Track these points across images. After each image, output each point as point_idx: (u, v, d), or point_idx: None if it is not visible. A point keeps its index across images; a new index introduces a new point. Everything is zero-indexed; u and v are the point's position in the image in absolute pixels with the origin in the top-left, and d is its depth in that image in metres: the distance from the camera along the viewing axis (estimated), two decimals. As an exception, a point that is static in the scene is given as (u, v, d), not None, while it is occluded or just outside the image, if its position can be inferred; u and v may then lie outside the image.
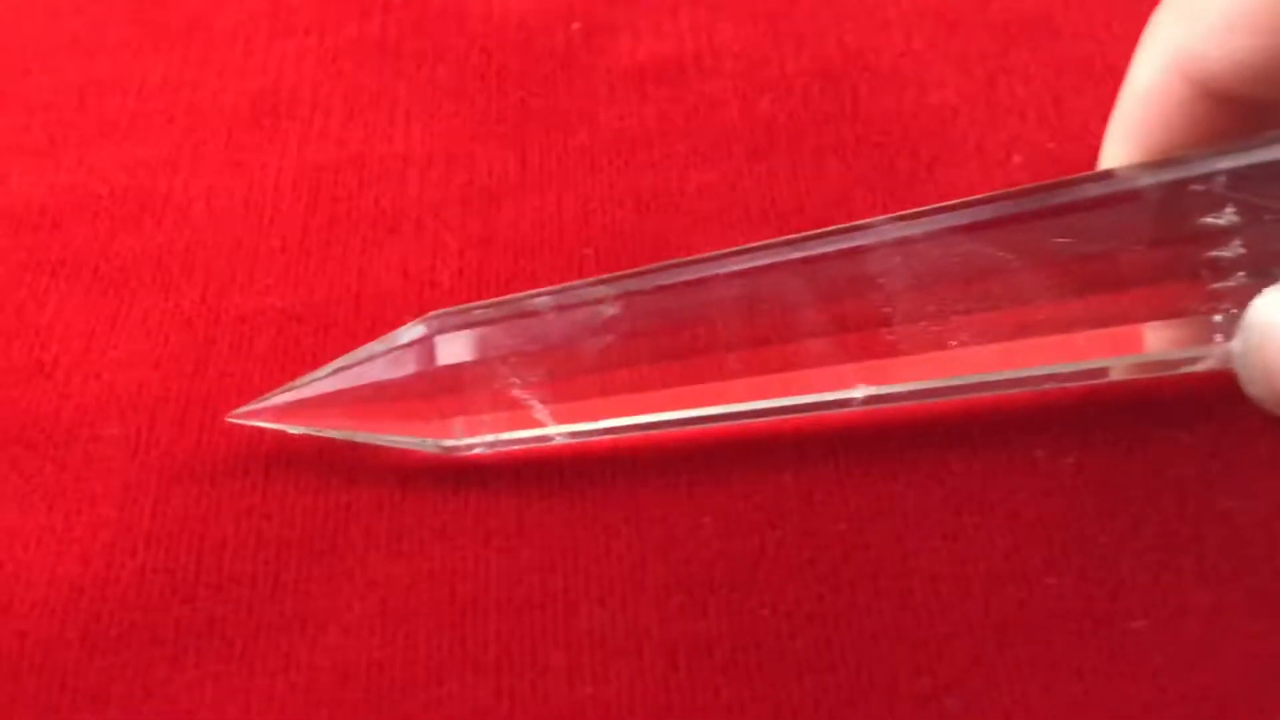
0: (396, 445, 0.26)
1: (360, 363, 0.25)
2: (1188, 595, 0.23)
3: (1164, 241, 0.23)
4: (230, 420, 0.26)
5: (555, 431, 0.25)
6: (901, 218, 0.24)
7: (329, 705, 0.23)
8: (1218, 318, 0.23)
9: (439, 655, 0.23)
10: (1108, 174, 0.24)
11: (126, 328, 0.28)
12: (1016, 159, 0.29)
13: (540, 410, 0.25)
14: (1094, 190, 0.24)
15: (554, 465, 0.26)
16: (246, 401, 0.26)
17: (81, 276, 0.29)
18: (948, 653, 0.23)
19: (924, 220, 0.24)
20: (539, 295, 0.25)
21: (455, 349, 0.25)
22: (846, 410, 0.25)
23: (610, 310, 0.25)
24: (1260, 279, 0.22)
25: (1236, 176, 0.22)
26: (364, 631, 0.24)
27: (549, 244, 0.29)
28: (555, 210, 0.30)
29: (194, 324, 0.28)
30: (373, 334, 0.27)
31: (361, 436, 0.25)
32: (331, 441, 0.26)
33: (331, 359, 0.27)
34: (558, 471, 0.26)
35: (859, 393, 0.24)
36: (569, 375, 0.25)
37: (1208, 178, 0.23)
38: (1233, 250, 0.22)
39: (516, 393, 0.25)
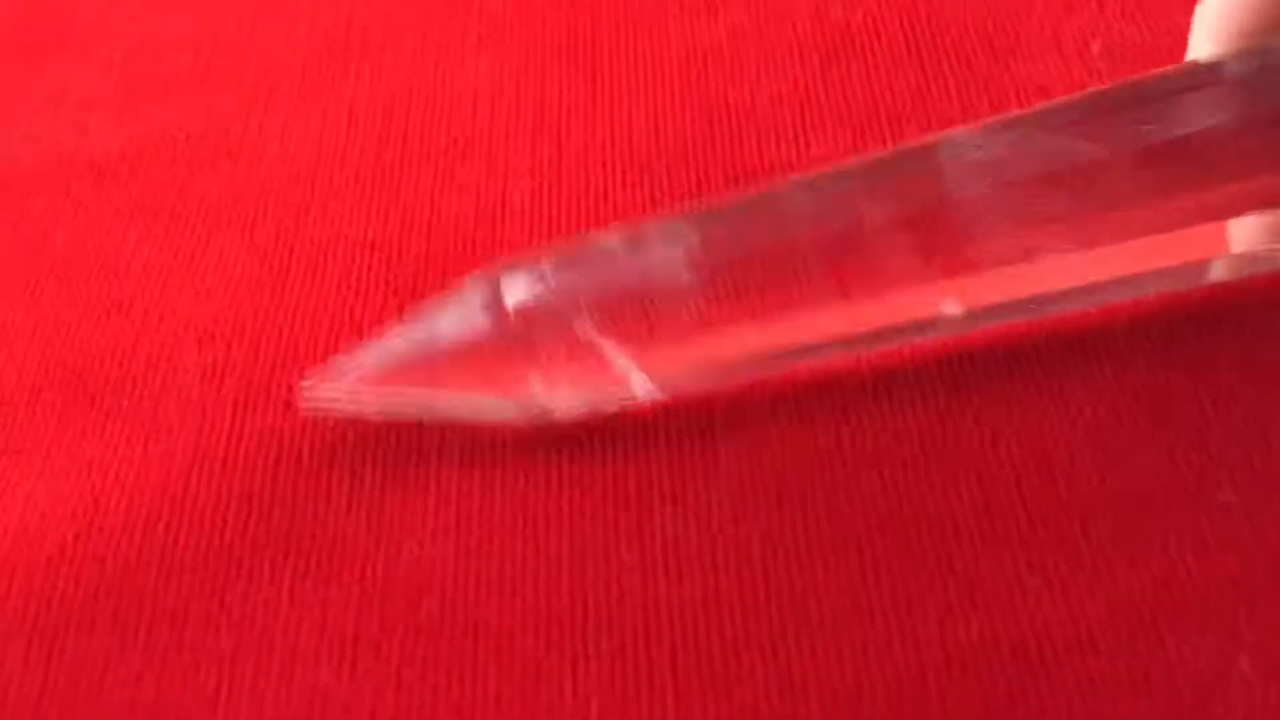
0: (474, 416, 0.25)
1: (425, 322, 0.24)
2: (1277, 467, 0.22)
3: (1258, 130, 0.22)
4: (303, 392, 0.25)
5: (640, 386, 0.24)
6: (984, 125, 0.23)
7: (404, 617, 0.23)
8: None
9: (514, 563, 0.23)
10: (1195, 64, 0.23)
11: (203, 264, 0.28)
12: (1095, 47, 0.28)
13: (621, 359, 0.24)
14: (1182, 81, 0.23)
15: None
16: (320, 324, 0.27)
17: (159, 219, 0.29)
18: (1030, 535, 0.22)
19: (1005, 125, 0.23)
20: (610, 234, 0.24)
21: (524, 297, 0.24)
22: (937, 334, 0.24)
23: (685, 247, 0.24)
24: None
25: None
26: (439, 543, 0.23)
27: (620, 162, 0.29)
28: (626, 128, 0.29)
29: (269, 257, 0.28)
30: (445, 260, 0.27)
31: (437, 408, 0.25)
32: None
33: (404, 283, 0.26)
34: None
35: (950, 309, 0.23)
36: (648, 318, 0.24)
37: None
38: None
39: (595, 339, 0.24)
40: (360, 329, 0.27)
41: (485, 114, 0.30)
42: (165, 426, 0.25)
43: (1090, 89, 0.23)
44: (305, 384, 0.25)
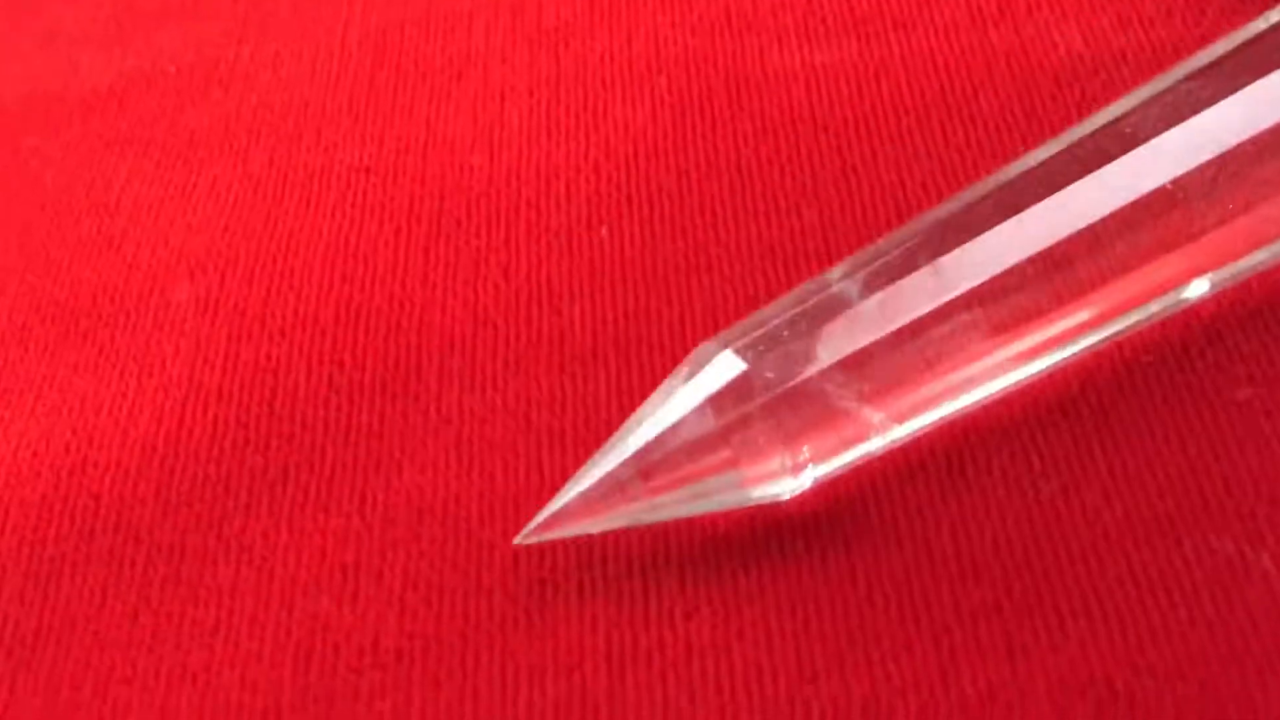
0: (701, 510, 0.22)
1: (644, 415, 0.21)
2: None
3: None
4: (520, 543, 0.22)
5: (889, 436, 0.22)
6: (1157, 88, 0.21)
7: (406, 543, 0.22)
8: None
9: (515, 486, 0.23)
10: None
11: (195, 195, 0.28)
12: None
13: (873, 415, 0.21)
14: None
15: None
16: (315, 251, 0.27)
17: (150, 152, 0.29)
18: (1044, 441, 0.21)
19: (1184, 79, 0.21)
20: (836, 279, 0.21)
21: (752, 361, 0.21)
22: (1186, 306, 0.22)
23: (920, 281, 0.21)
24: None
25: None
26: (440, 468, 0.23)
27: (620, 77, 0.28)
28: (625, 44, 0.29)
29: (262, 185, 0.28)
30: (442, 182, 0.27)
31: (670, 511, 0.21)
32: (401, 285, 0.26)
33: (400, 207, 0.26)
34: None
35: (1200, 285, 0.22)
36: (891, 366, 0.21)
37: None
38: None
39: (836, 398, 0.21)
40: (359, 255, 0.26)
41: (480, 33, 0.30)
42: (159, 360, 0.25)
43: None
44: (520, 540, 0.22)
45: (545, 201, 0.26)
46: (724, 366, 0.21)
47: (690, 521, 0.21)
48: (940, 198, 0.25)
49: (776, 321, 0.21)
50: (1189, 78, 0.21)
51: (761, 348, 0.21)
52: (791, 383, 0.21)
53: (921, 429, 0.22)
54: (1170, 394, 0.21)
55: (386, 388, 0.24)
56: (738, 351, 0.21)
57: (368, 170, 0.27)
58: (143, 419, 0.24)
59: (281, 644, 0.21)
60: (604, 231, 0.26)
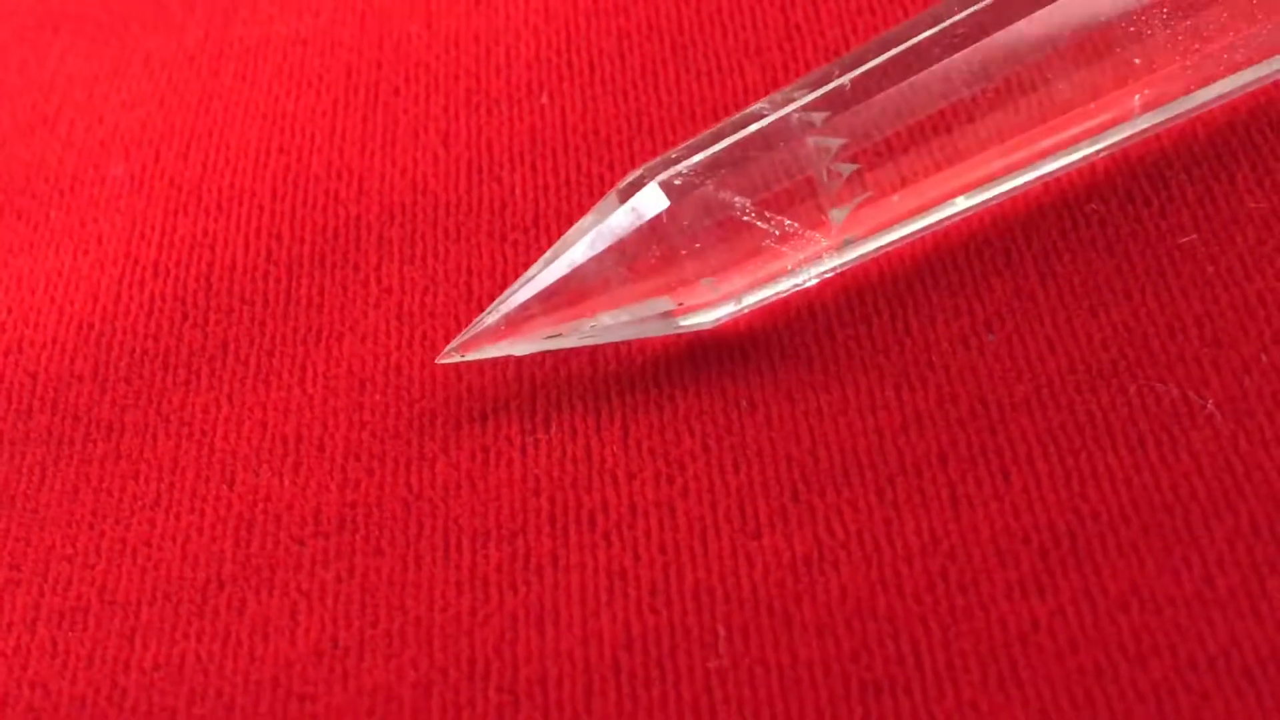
0: (629, 336, 0.22)
1: (569, 243, 0.21)
2: (1240, 203, 0.21)
3: None
4: (441, 362, 0.22)
5: (815, 271, 0.22)
6: None
7: (347, 413, 0.22)
8: None
9: (458, 348, 0.22)
10: None
11: (129, 72, 0.27)
12: None
13: (795, 242, 0.21)
14: None
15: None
16: (255, 127, 0.26)
17: (84, 29, 0.28)
18: (987, 291, 0.21)
19: None
20: (749, 116, 0.21)
21: (673, 195, 0.21)
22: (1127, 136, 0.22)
23: (827, 114, 0.21)
24: None
25: None
26: (381, 336, 0.23)
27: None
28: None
29: (196, 60, 0.27)
30: (380, 51, 0.26)
31: (592, 334, 0.21)
32: (339, 156, 0.26)
33: (337, 78, 0.25)
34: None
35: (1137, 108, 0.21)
36: (808, 197, 0.21)
37: None
38: None
39: (764, 226, 0.21)
40: (296, 127, 0.25)
41: (417, -100, 0.29)
42: (94, 237, 0.25)
43: None
44: (443, 357, 0.22)
45: (484, 68, 0.26)
46: (650, 199, 0.21)
47: (634, 383, 0.21)
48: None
49: (705, 153, 0.21)
50: None
51: (690, 178, 0.21)
52: (717, 214, 0.21)
53: (848, 262, 0.22)
54: (1114, 241, 0.21)
55: (325, 259, 0.24)
56: (664, 185, 0.21)
57: (304, 42, 0.27)
58: (79, 297, 0.24)
59: (223, 516, 0.21)
60: (544, 98, 0.25)
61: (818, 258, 0.21)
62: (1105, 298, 0.21)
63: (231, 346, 0.23)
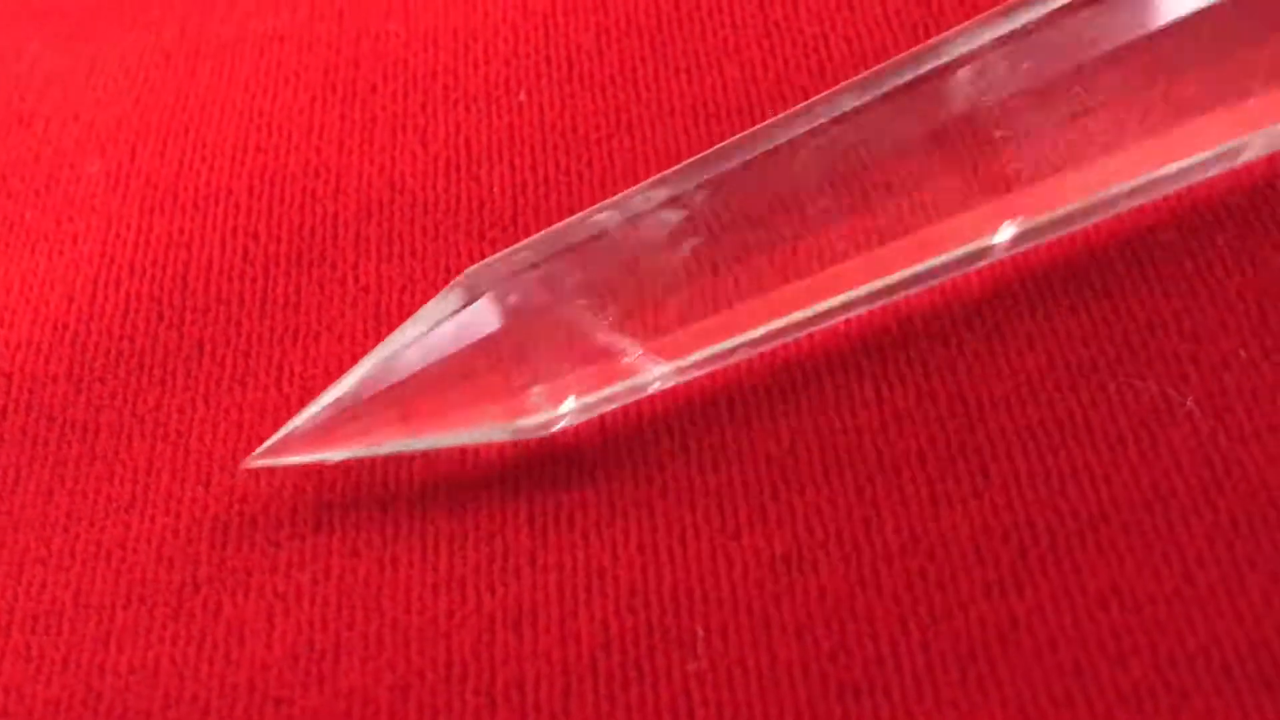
0: (461, 443, 0.21)
1: (395, 351, 0.20)
2: (1219, 200, 0.21)
3: None
4: (249, 467, 0.21)
5: (657, 373, 0.21)
6: (992, 16, 0.20)
7: (324, 413, 0.21)
8: None
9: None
10: None
11: (105, 69, 0.27)
12: None
13: (634, 352, 0.20)
14: None
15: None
16: (231, 125, 0.26)
17: (60, 27, 0.28)
18: (966, 289, 0.21)
19: (1020, 11, 0.20)
20: (596, 213, 0.20)
21: (513, 302, 0.20)
22: (988, 262, 0.21)
23: (679, 213, 0.20)
24: None
25: None
26: (358, 338, 0.23)
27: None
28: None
29: (173, 57, 0.27)
30: (357, 49, 0.26)
31: (420, 444, 0.21)
32: (317, 154, 0.25)
33: (314, 75, 0.25)
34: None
35: (1004, 234, 0.20)
36: (655, 301, 0.20)
37: None
38: None
39: (603, 336, 0.20)
40: (273, 125, 0.25)
41: (395, -104, 0.28)
42: (70, 236, 0.24)
43: None
44: (248, 463, 0.21)
45: (462, 65, 0.26)
46: (483, 311, 0.20)
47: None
48: (863, 50, 0.24)
49: (536, 258, 0.20)
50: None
51: (521, 284, 0.20)
52: (550, 317, 0.20)
53: (693, 369, 0.21)
54: (1092, 237, 0.21)
55: (302, 258, 0.24)
56: (496, 296, 0.20)
57: (281, 39, 0.27)
58: (54, 296, 0.24)
59: (198, 519, 0.21)
60: (522, 95, 0.25)
61: (660, 365, 0.20)
62: (1084, 295, 0.20)
63: (208, 347, 0.23)
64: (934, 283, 0.21)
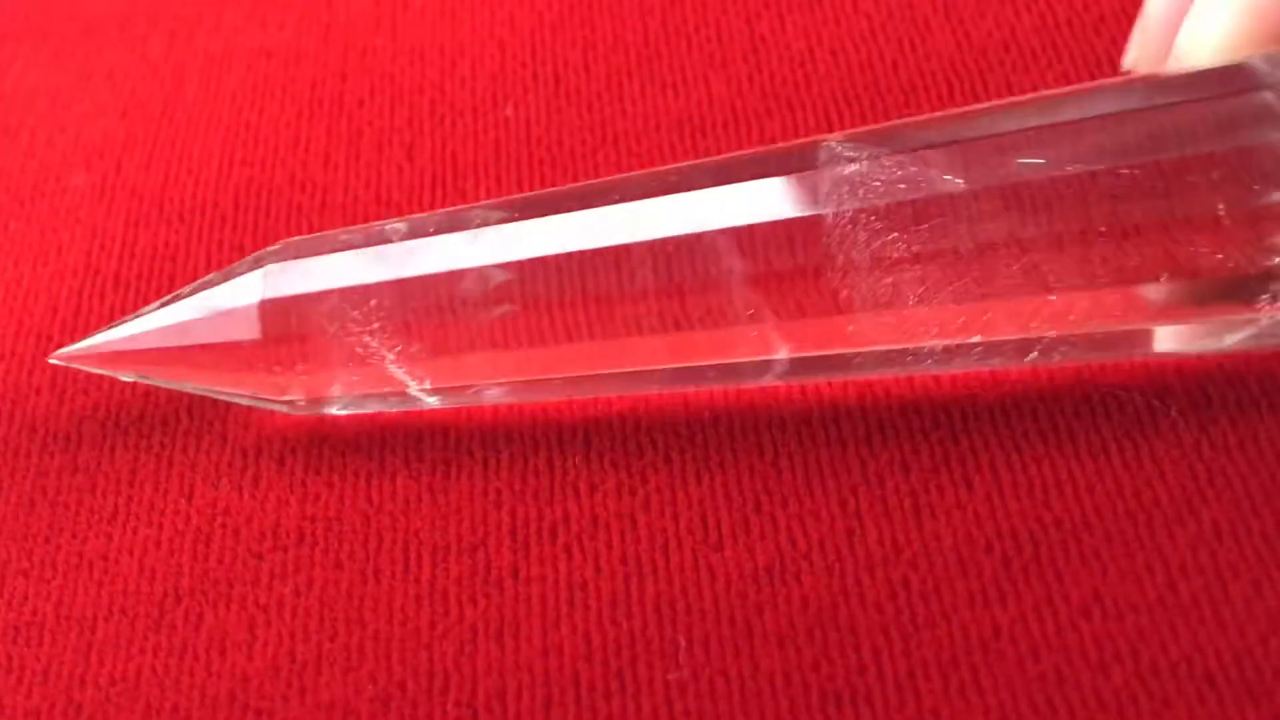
0: (237, 401, 0.22)
1: (188, 301, 0.21)
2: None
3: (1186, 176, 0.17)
4: (52, 361, 0.22)
5: (417, 390, 0.21)
6: (850, 137, 0.19)
7: (308, 424, 0.22)
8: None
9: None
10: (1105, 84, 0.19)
11: (92, 83, 0.27)
12: None
13: (397, 367, 0.21)
14: (1077, 104, 0.18)
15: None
16: (218, 138, 0.26)
17: (47, 41, 0.28)
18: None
19: (873, 136, 0.19)
20: (395, 223, 0.21)
21: (292, 286, 0.21)
22: (766, 380, 0.20)
23: (489, 247, 0.20)
24: None
25: None
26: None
27: (527, -48, 0.27)
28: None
29: (160, 71, 0.27)
30: (344, 64, 0.26)
31: (195, 388, 0.22)
32: (303, 168, 0.25)
33: (301, 89, 0.25)
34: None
35: (781, 356, 0.20)
36: (433, 325, 0.20)
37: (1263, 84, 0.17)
38: None
39: (369, 341, 0.20)
40: (259, 138, 0.25)
41: (383, -87, 0.28)
42: (54, 248, 0.24)
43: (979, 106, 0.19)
44: (56, 357, 0.22)
45: (449, 81, 0.26)
46: (250, 284, 0.21)
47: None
48: (849, 65, 0.24)
49: (321, 247, 0.21)
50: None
51: (292, 269, 0.21)
52: (317, 309, 0.20)
53: (454, 395, 0.21)
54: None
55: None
56: (270, 274, 0.20)
57: (269, 54, 0.27)
58: (38, 308, 0.24)
59: (180, 530, 0.21)
60: (508, 110, 0.25)
61: (420, 385, 0.20)
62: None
63: (190, 358, 0.23)
64: (706, 384, 0.20)
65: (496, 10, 0.27)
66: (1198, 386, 0.19)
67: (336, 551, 0.20)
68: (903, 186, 0.18)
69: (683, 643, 0.18)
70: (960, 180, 0.18)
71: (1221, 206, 0.17)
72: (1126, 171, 0.17)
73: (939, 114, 0.19)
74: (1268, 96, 0.17)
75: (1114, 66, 0.22)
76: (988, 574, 0.18)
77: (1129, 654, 0.17)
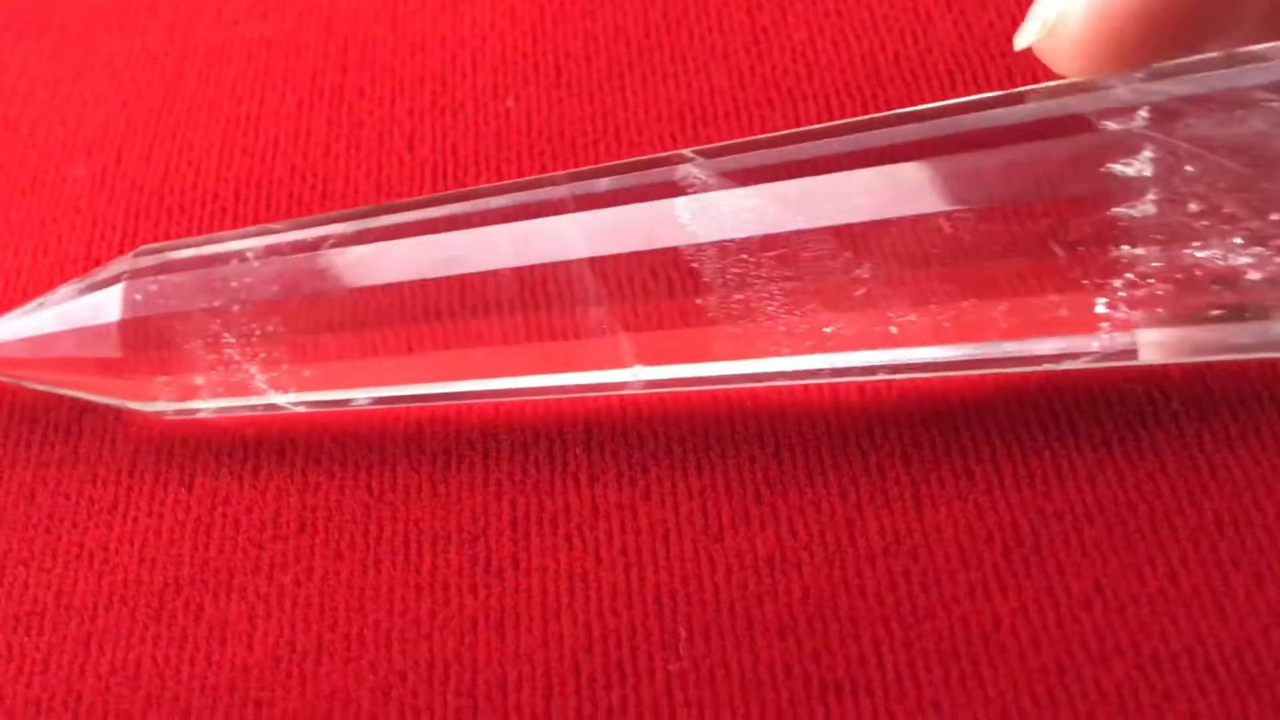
0: (108, 404, 0.22)
1: (50, 312, 0.21)
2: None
3: (1024, 203, 0.17)
4: None
5: (282, 400, 0.21)
6: (712, 151, 0.19)
7: (308, 415, 0.21)
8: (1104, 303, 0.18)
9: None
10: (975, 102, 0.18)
11: (93, 73, 0.27)
12: None
13: (259, 376, 0.21)
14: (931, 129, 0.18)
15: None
16: (215, 126, 0.26)
17: (47, 32, 0.28)
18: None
19: (729, 157, 0.19)
20: (257, 234, 0.21)
21: (152, 302, 0.20)
22: (625, 393, 0.20)
23: (344, 255, 0.20)
24: (1172, 248, 0.17)
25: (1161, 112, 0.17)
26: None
27: (527, -57, 0.27)
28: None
29: (160, 62, 0.27)
30: (344, 55, 0.26)
31: (65, 392, 0.22)
32: (304, 159, 0.25)
33: (302, 80, 0.25)
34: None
35: (637, 375, 0.20)
36: (292, 333, 0.20)
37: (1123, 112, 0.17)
38: (1142, 209, 0.17)
39: (230, 351, 0.20)
40: (259, 129, 0.25)
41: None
42: (55, 237, 0.24)
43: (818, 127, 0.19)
44: None
45: (450, 72, 0.26)
46: (109, 300, 0.21)
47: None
48: (850, 56, 0.24)
49: (178, 261, 0.21)
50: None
51: (161, 276, 0.21)
52: (182, 320, 0.20)
53: (318, 404, 0.21)
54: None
55: (288, 262, 0.23)
56: (128, 289, 0.21)
57: (269, 44, 0.27)
58: (36, 297, 0.23)
59: (181, 520, 0.21)
60: (510, 102, 0.25)
61: (280, 391, 0.20)
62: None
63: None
64: (567, 395, 0.20)
65: (498, 2, 0.26)
66: (1199, 378, 0.19)
67: (337, 541, 0.20)
68: (749, 218, 0.18)
69: (683, 633, 0.18)
70: (800, 217, 0.18)
71: (1054, 244, 0.17)
72: (959, 211, 0.17)
73: (789, 132, 0.19)
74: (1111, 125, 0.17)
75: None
76: (988, 565, 0.18)
77: (1130, 645, 0.17)
